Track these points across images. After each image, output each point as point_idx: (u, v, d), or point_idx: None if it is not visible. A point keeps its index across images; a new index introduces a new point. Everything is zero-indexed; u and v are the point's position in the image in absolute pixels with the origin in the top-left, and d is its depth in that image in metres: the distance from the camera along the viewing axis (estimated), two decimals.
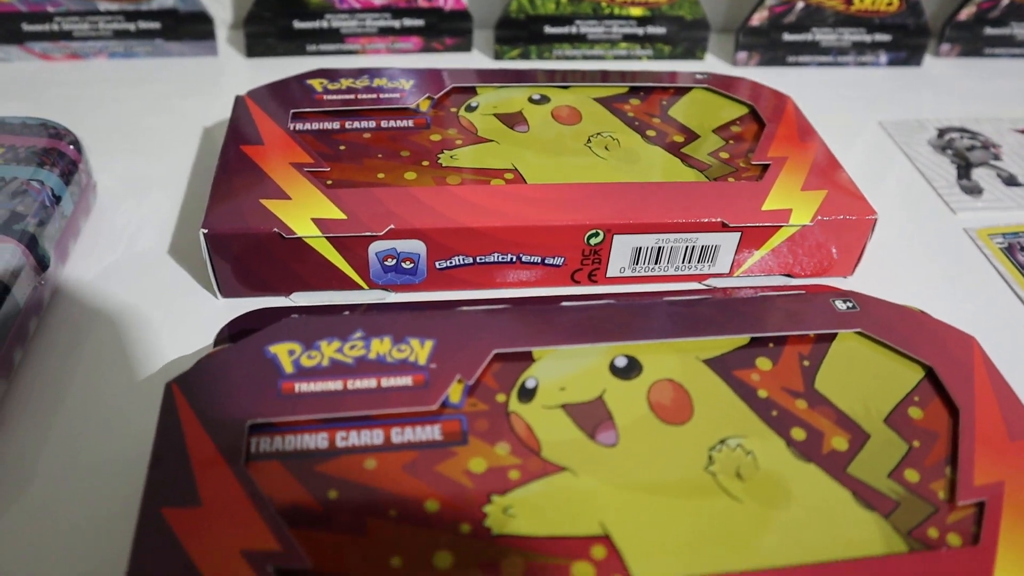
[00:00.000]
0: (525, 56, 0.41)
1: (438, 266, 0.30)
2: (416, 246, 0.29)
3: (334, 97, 0.34)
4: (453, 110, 0.34)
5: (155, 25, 0.40)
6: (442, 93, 0.35)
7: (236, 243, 0.29)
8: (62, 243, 0.30)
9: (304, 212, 0.29)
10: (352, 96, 0.34)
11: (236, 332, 0.29)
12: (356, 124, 0.33)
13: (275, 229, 0.28)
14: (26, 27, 0.40)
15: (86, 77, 0.41)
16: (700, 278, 0.32)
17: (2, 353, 0.26)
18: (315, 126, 0.33)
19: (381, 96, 0.34)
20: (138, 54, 0.41)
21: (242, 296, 0.30)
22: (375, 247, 0.29)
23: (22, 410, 0.26)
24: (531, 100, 0.35)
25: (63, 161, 0.31)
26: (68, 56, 0.41)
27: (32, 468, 0.25)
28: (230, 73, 0.42)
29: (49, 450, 0.26)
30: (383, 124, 0.33)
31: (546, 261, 0.30)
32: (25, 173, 0.30)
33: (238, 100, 0.34)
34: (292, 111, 0.33)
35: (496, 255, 0.30)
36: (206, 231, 0.28)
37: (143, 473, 0.25)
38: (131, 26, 0.40)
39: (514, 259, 0.30)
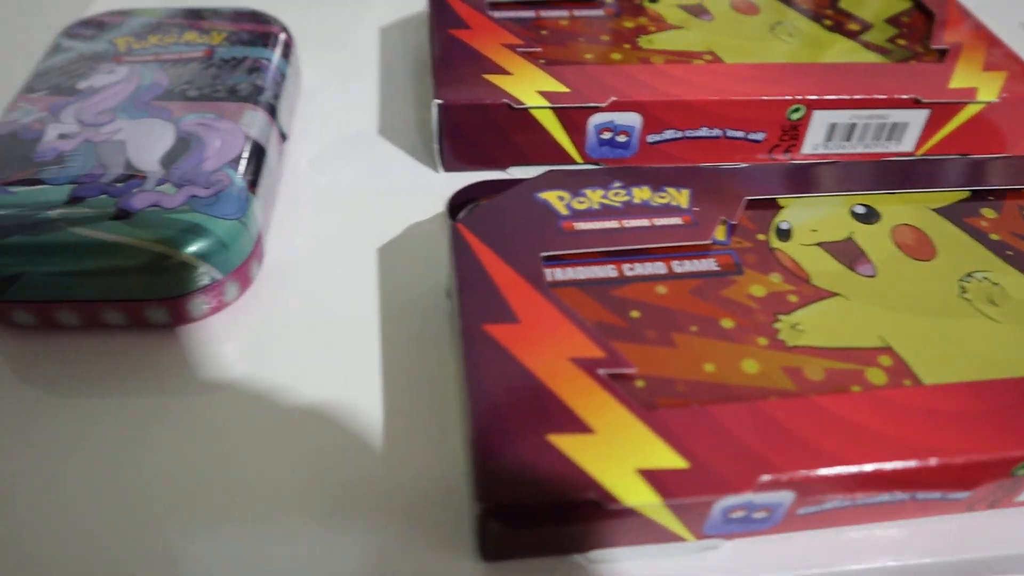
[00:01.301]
0: None
1: (649, 140, 0.32)
2: (632, 119, 0.31)
3: None
4: (638, 1, 0.36)
5: None
6: None
7: (466, 115, 0.30)
8: (288, 120, 0.32)
9: (528, 86, 0.30)
10: None
11: (465, 201, 0.30)
12: (550, 13, 0.34)
13: (504, 100, 0.30)
14: None
15: None
16: (886, 156, 0.34)
17: (265, 212, 0.27)
18: (512, 14, 0.34)
19: None
20: None
21: (461, 170, 0.32)
22: (594, 120, 0.31)
23: (277, 273, 0.28)
24: None
25: (281, 44, 0.32)
26: None
27: (306, 321, 0.27)
28: None
29: (306, 308, 0.27)
30: (575, 13, 0.35)
31: (749, 136, 0.32)
32: (254, 53, 0.31)
33: None
34: (490, 12, 0.34)
35: (704, 129, 0.31)
36: (440, 102, 0.30)
37: (410, 319, 0.26)
38: None
39: (720, 134, 0.32)
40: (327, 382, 0.25)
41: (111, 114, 0.28)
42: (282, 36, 0.33)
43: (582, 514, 0.20)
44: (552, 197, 0.26)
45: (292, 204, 0.30)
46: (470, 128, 0.31)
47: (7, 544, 0.21)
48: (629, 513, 0.20)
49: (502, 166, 0.32)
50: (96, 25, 0.33)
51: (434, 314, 0.27)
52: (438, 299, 0.27)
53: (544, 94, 0.30)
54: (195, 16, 0.33)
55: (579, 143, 0.31)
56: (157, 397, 0.25)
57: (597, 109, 0.30)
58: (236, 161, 0.27)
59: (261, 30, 0.33)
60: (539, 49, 0.32)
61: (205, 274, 0.25)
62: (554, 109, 0.30)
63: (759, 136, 0.32)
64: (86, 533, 0.21)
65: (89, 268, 0.24)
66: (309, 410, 0.24)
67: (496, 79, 0.31)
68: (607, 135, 0.31)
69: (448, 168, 0.32)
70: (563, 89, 0.30)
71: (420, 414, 0.24)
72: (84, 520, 0.22)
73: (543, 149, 0.31)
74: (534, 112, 0.30)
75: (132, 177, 0.26)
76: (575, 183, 0.27)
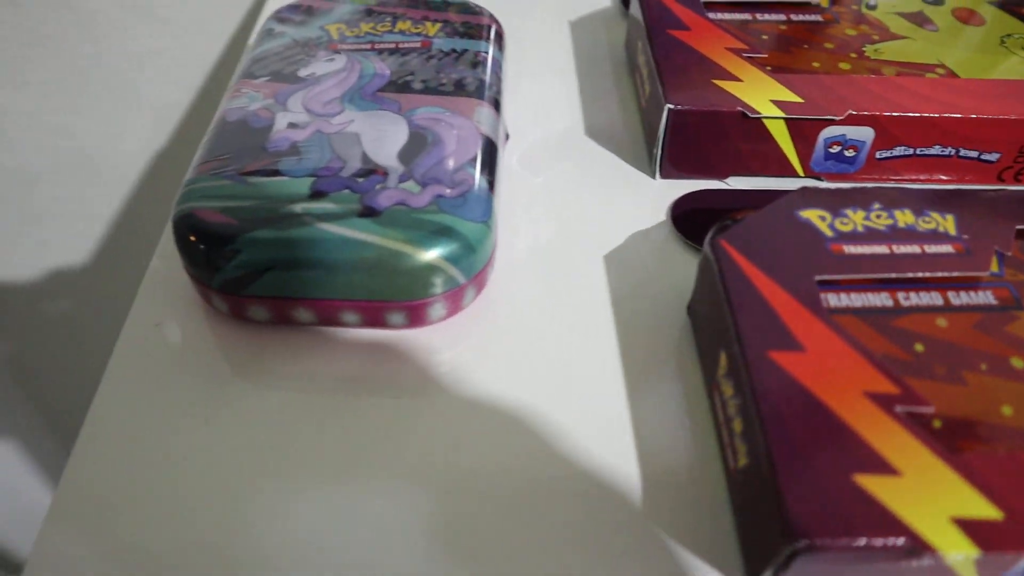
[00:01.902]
0: None
1: (878, 156, 0.30)
2: (865, 133, 0.29)
3: None
4: (855, 7, 0.34)
5: None
6: None
7: (696, 121, 0.29)
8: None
9: (760, 94, 0.29)
10: None
11: (685, 211, 0.29)
12: (767, 16, 0.33)
13: (738, 108, 0.28)
14: None
15: None
16: None
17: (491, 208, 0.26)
18: (728, 16, 0.33)
19: None
20: None
21: (677, 177, 0.31)
22: (826, 132, 0.29)
23: (505, 277, 0.27)
24: (925, 1, 0.35)
25: (495, 36, 0.31)
26: None
27: (538, 328, 0.26)
28: None
29: (537, 315, 0.26)
30: (793, 17, 0.33)
31: (982, 156, 0.30)
32: (472, 45, 0.30)
33: None
34: (709, 14, 0.33)
35: (937, 147, 0.30)
36: (671, 107, 0.28)
37: (645, 331, 0.25)
38: None
39: (952, 152, 0.30)
40: (566, 392, 0.24)
41: (339, 104, 0.28)
42: (494, 28, 0.32)
43: (884, 562, 0.19)
44: (813, 216, 0.25)
45: (509, 204, 0.29)
46: (696, 135, 0.29)
47: (245, 538, 0.21)
48: (934, 565, 0.18)
49: (721, 175, 0.31)
50: (305, 10, 0.32)
51: (668, 327, 0.26)
52: (670, 311, 0.26)
53: (778, 103, 0.29)
54: (406, 4, 0.32)
55: (804, 155, 0.30)
56: (397, 399, 0.24)
57: (831, 122, 0.29)
58: (474, 160, 0.26)
59: (475, 21, 0.32)
60: (765, 55, 0.31)
61: (451, 278, 0.24)
62: (787, 120, 0.29)
63: (993, 157, 0.30)
64: (324, 531, 0.21)
65: (337, 266, 0.24)
66: (548, 420, 0.23)
67: (727, 85, 0.29)
68: (835, 149, 0.30)
69: (664, 175, 0.30)
70: (796, 99, 0.29)
71: (669, 431, 0.23)
72: (324, 520, 0.21)
73: (766, 159, 0.30)
74: (767, 122, 0.29)
75: (372, 172, 0.25)
76: (834, 202, 0.25)
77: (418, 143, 0.26)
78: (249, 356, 0.25)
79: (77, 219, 0.56)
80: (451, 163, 0.26)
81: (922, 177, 0.31)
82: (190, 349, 0.25)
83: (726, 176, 0.30)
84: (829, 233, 0.24)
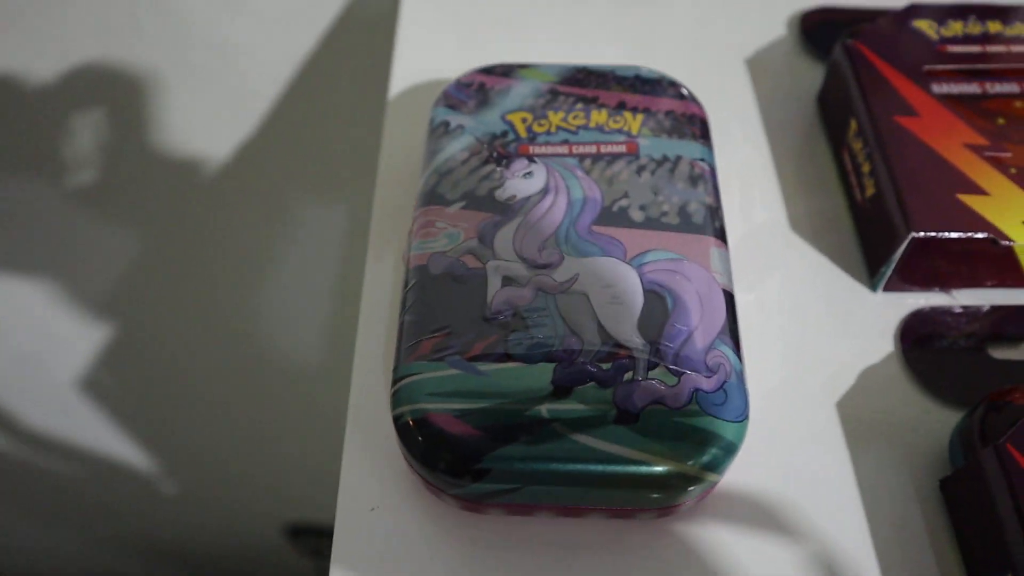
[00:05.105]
0: None
1: None
2: None
3: (960, 49, 0.29)
4: None
5: None
6: None
7: (937, 245, 0.26)
8: None
9: (1011, 213, 0.26)
10: (979, 48, 0.30)
11: (914, 338, 0.27)
12: (999, 88, 0.29)
13: (988, 235, 0.25)
14: None
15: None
16: None
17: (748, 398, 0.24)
18: (955, 89, 0.29)
19: (1013, 50, 0.30)
20: None
21: (900, 291, 0.28)
22: None
23: None
24: None
25: (705, 132, 0.27)
26: None
27: (787, 499, 0.24)
28: None
29: (782, 484, 0.24)
30: None
31: None
32: (686, 150, 0.26)
33: (847, 46, 0.29)
34: (924, 68, 0.29)
35: None
36: (916, 235, 0.25)
37: (895, 507, 0.23)
38: None
39: None
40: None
41: (555, 248, 0.24)
42: (703, 120, 0.28)
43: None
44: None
45: None
46: (933, 256, 0.26)
47: None
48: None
49: (946, 287, 0.28)
50: (478, 90, 0.28)
51: (920, 501, 0.24)
52: (922, 487, 0.24)
53: None
54: (596, 83, 0.28)
55: None
56: None
57: None
58: (724, 331, 0.23)
59: (680, 110, 0.27)
60: (1008, 153, 0.27)
61: (710, 483, 0.22)
62: None
63: None
64: None
65: (594, 481, 0.21)
66: None
67: (973, 201, 0.26)
68: None
69: (888, 288, 0.28)
70: None
71: None
72: None
73: (1001, 274, 0.27)
74: (1017, 248, 0.26)
75: (615, 355, 0.22)
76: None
77: (657, 308, 0.23)
78: (488, 546, 0.23)
79: None
80: (700, 340, 0.23)
81: None
82: (413, 538, 0.23)
83: (951, 288, 0.28)
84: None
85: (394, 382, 0.23)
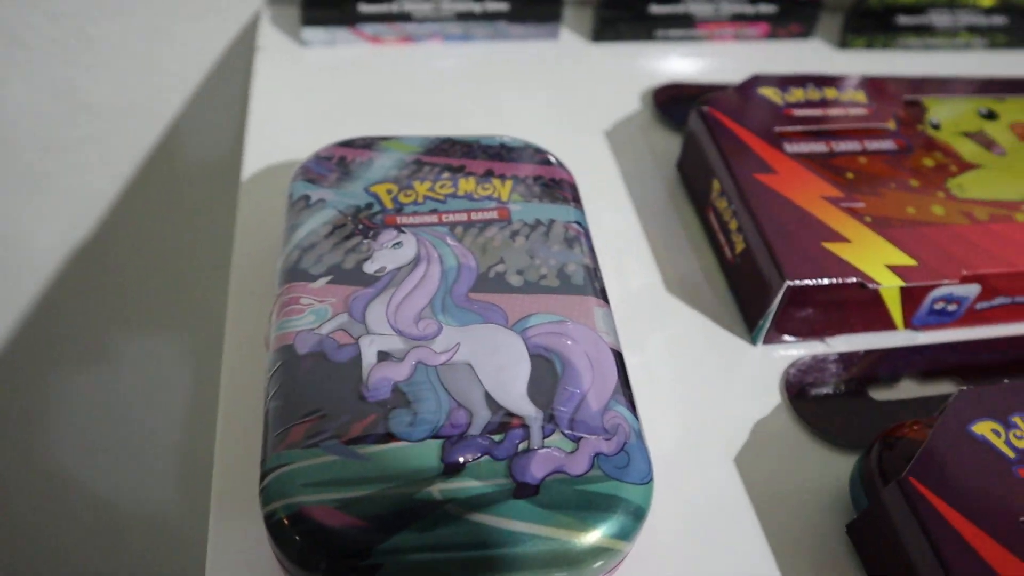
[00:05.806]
0: (871, 46, 0.39)
1: (978, 308, 0.28)
2: (971, 290, 0.28)
3: (804, 112, 0.31)
4: (920, 128, 0.32)
5: (503, 7, 0.35)
6: (902, 107, 0.32)
7: (812, 292, 0.26)
8: None
9: (874, 259, 0.27)
10: (820, 111, 0.31)
11: (799, 387, 0.27)
12: (843, 146, 0.30)
13: (855, 280, 0.26)
14: (363, 8, 0.34)
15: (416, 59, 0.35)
16: None
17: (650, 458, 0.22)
18: (804, 148, 0.30)
19: (850, 113, 0.31)
20: (475, 37, 0.36)
21: (777, 343, 0.28)
22: (936, 293, 0.27)
23: None
24: (980, 115, 0.33)
25: (574, 194, 0.27)
26: (400, 39, 0.35)
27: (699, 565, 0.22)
28: (573, 59, 0.37)
29: (690, 554, 0.23)
30: (868, 146, 0.31)
31: None
32: (558, 214, 0.26)
33: (703, 113, 0.30)
34: (775, 129, 0.30)
35: None
36: (792, 283, 0.25)
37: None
38: (477, 7, 0.34)
39: None
40: None
41: (432, 318, 0.23)
42: (572, 183, 0.27)
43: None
44: (986, 430, 0.23)
45: None
46: (807, 305, 0.27)
47: None
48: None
49: (821, 336, 0.28)
50: (338, 164, 0.26)
51: (830, 552, 0.23)
52: (828, 534, 0.24)
53: (894, 269, 0.26)
54: (462, 152, 0.27)
55: (909, 313, 0.28)
56: None
57: (944, 285, 0.27)
58: (617, 391, 0.22)
59: (550, 175, 0.27)
60: (861, 204, 0.28)
61: (618, 552, 0.20)
62: (903, 288, 0.27)
63: None
64: None
65: (496, 563, 0.19)
66: None
67: (838, 249, 0.27)
68: (940, 306, 0.28)
69: (767, 341, 0.28)
70: (911, 262, 0.27)
71: None
72: None
73: (869, 319, 0.28)
74: (884, 291, 0.26)
75: (507, 424, 0.21)
76: (998, 409, 0.23)
77: (546, 372, 0.22)
78: None
79: None
80: (594, 401, 0.22)
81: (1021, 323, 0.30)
82: None
83: (824, 336, 0.28)
84: (1011, 455, 0.23)
85: (262, 476, 0.20)
